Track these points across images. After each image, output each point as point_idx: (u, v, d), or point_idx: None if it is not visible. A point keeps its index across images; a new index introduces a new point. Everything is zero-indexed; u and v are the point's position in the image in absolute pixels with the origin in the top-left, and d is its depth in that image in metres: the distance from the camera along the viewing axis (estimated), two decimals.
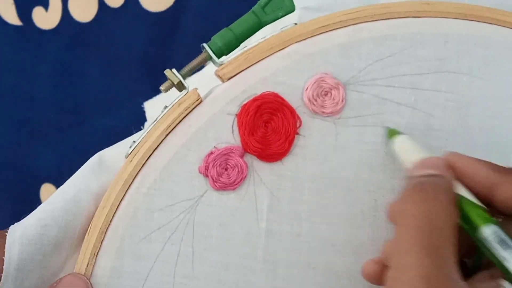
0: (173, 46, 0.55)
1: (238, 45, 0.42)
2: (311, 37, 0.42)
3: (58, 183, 0.47)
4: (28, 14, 0.52)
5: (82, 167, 0.42)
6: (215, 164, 0.41)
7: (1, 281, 0.40)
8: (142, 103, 0.52)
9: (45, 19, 0.50)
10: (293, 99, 0.42)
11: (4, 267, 0.40)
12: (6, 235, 0.41)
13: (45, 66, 0.52)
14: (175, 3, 0.54)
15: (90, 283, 0.40)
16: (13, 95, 0.53)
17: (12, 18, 0.52)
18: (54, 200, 0.42)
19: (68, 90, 0.52)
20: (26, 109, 0.54)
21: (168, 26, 0.55)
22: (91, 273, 0.41)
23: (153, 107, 0.53)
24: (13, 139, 0.56)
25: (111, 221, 0.41)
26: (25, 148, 0.58)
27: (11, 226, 0.41)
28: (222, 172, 0.41)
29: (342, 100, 0.42)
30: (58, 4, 0.50)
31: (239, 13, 0.53)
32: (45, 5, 0.51)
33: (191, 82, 0.43)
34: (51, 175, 0.60)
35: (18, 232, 0.41)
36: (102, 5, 0.49)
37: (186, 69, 0.42)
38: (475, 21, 0.43)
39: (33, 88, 0.53)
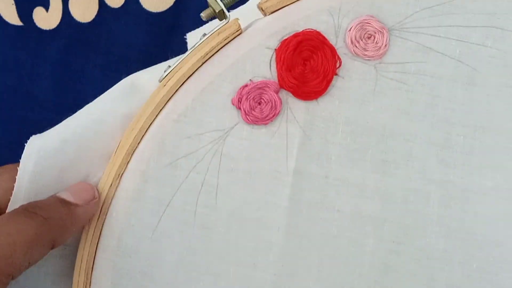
0: (174, 46, 0.55)
1: None
2: None
3: None
4: (28, 14, 0.52)
5: (112, 88, 0.41)
6: (249, 97, 0.40)
7: (13, 193, 0.39)
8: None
9: (46, 19, 0.50)
10: (334, 39, 0.41)
11: (17, 177, 0.39)
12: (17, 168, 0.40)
13: (45, 66, 0.52)
14: (175, 3, 0.54)
15: (97, 190, 0.39)
16: (13, 95, 0.53)
17: (13, 18, 0.52)
18: (78, 117, 0.41)
19: (68, 90, 0.52)
20: (26, 109, 0.54)
21: (168, 26, 0.55)
22: (114, 194, 0.40)
23: (196, 39, 0.52)
24: (13, 139, 0.56)
25: (138, 143, 0.40)
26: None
27: (31, 137, 0.40)
28: (255, 106, 0.40)
29: (386, 45, 0.41)
30: (59, 5, 0.50)
31: None
32: (46, 6, 0.51)
33: (233, 15, 0.42)
34: None
35: (36, 144, 0.40)
36: (102, 5, 0.49)
37: None
38: None
39: (34, 88, 0.52)
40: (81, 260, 0.40)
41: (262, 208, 0.41)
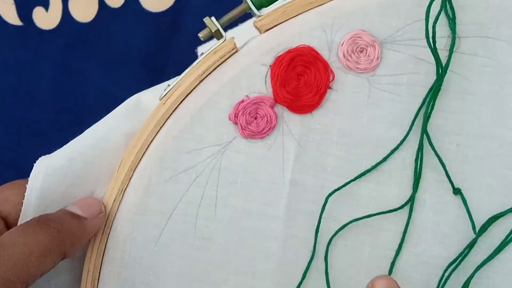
0: (173, 46, 0.56)
1: None
2: None
3: None
4: (28, 14, 0.53)
5: (117, 108, 0.43)
6: (245, 112, 0.42)
7: (23, 207, 0.41)
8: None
9: (46, 19, 0.51)
10: (328, 54, 0.42)
11: (25, 194, 0.42)
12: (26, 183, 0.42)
13: (45, 66, 0.53)
14: (175, 3, 0.55)
15: (104, 204, 0.41)
16: (13, 95, 0.54)
17: (13, 18, 0.53)
18: (84, 136, 0.43)
19: (68, 90, 0.53)
20: (26, 108, 0.55)
21: (168, 26, 0.56)
22: (118, 208, 0.42)
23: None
24: (13, 138, 0.57)
25: (140, 160, 0.42)
26: (25, 147, 0.58)
27: (40, 158, 0.42)
28: (251, 121, 0.42)
29: (378, 58, 0.42)
30: (59, 4, 0.50)
31: None
32: (46, 5, 0.51)
33: (230, 35, 0.43)
34: None
35: (44, 163, 0.42)
36: (102, 5, 0.50)
37: (225, 18, 0.43)
38: None
39: (33, 88, 0.53)
40: (88, 272, 0.42)
41: (260, 219, 0.42)
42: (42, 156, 0.42)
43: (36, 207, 0.41)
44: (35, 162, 0.42)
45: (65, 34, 0.52)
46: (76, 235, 0.40)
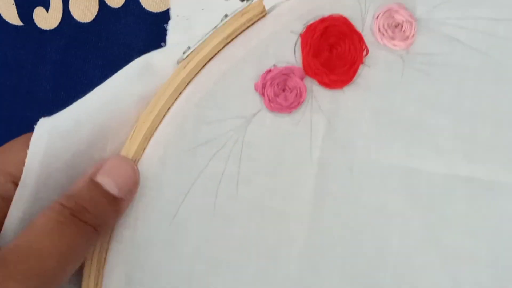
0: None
1: None
2: None
3: None
4: (29, 14, 0.51)
5: (125, 68, 0.39)
6: (273, 83, 0.38)
7: (22, 177, 0.36)
8: None
9: (46, 19, 0.49)
10: (361, 26, 0.39)
11: (26, 160, 0.36)
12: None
13: (45, 66, 0.51)
14: None
15: (137, 168, 0.37)
16: (14, 95, 0.51)
17: (13, 18, 0.50)
18: (90, 98, 0.38)
19: (68, 90, 0.51)
20: (26, 109, 0.52)
21: None
22: None
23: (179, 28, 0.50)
24: (13, 138, 0.54)
25: (156, 128, 0.38)
26: None
27: (40, 119, 0.37)
28: (279, 93, 0.38)
29: (413, 35, 0.39)
30: (59, 5, 0.49)
31: None
32: (46, 6, 0.50)
33: None
34: None
35: (48, 124, 0.37)
36: (102, 6, 0.48)
37: None
38: None
39: (34, 88, 0.51)
40: (93, 252, 0.37)
41: (285, 200, 0.39)
42: (43, 118, 0.37)
43: (37, 175, 0.36)
44: None
45: (66, 34, 0.50)
46: (111, 223, 0.36)
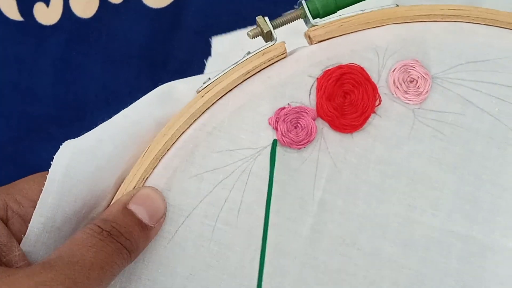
0: (174, 42, 0.55)
1: (335, 12, 0.41)
2: (409, 22, 0.41)
3: None
4: (29, 9, 0.52)
5: (149, 94, 0.41)
6: (286, 119, 0.40)
7: (45, 185, 0.38)
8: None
9: (46, 14, 0.50)
10: (377, 78, 0.40)
11: (49, 170, 0.38)
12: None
13: (46, 62, 0.52)
14: None
15: (165, 200, 0.39)
16: (14, 90, 0.53)
17: (13, 13, 0.52)
18: (113, 120, 0.40)
19: (69, 85, 0.52)
20: (26, 104, 0.54)
21: (169, 22, 0.55)
22: None
23: (221, 44, 0.51)
24: (14, 134, 0.56)
25: (168, 150, 0.39)
26: (26, 143, 0.57)
27: (65, 142, 0.39)
28: (291, 129, 0.40)
29: (427, 92, 0.41)
30: (59, 0, 0.50)
31: (240, 9, 0.52)
32: (46, 1, 0.51)
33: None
34: None
35: (70, 144, 0.39)
36: (103, 1, 0.49)
37: (278, 20, 0.41)
38: None
39: (34, 84, 0.52)
40: None
41: (282, 233, 0.40)
42: (68, 140, 0.39)
43: (60, 184, 0.38)
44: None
45: (66, 30, 0.51)
46: (141, 249, 0.38)
